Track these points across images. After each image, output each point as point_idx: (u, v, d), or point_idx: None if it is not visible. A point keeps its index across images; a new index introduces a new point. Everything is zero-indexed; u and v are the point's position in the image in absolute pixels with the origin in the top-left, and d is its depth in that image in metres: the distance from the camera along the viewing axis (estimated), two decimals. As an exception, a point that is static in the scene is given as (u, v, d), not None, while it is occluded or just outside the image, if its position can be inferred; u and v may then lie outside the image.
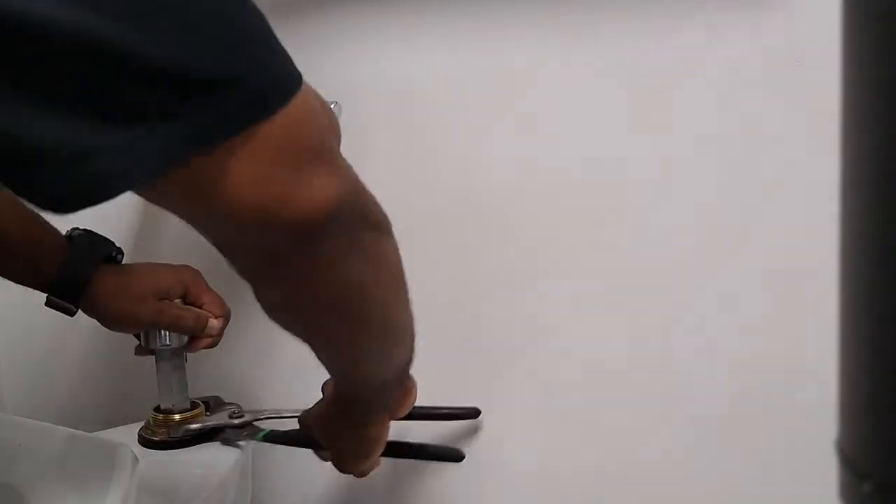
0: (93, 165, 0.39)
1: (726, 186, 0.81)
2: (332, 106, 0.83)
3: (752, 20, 0.78)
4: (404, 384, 0.74)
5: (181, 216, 0.46)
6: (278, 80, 0.44)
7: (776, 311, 0.81)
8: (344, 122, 0.83)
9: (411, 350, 0.68)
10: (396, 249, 0.58)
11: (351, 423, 0.72)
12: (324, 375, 1.02)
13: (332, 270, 0.51)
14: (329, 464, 0.77)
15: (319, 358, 0.62)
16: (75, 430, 0.74)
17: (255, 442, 0.89)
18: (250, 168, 0.43)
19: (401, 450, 0.86)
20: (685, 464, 0.86)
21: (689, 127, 0.81)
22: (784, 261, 0.80)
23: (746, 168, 0.80)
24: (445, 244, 0.92)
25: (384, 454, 0.77)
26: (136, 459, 0.69)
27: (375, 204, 0.54)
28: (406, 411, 0.76)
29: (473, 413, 0.92)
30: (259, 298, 0.53)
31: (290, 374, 1.00)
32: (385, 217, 0.55)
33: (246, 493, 0.91)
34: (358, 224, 0.51)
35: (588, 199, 0.86)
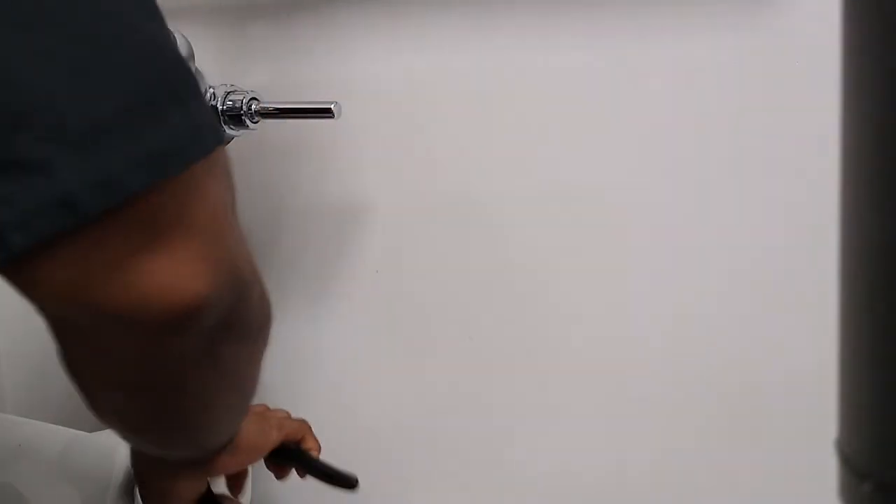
0: None
1: (726, 186, 0.81)
2: (332, 106, 0.83)
3: (753, 20, 0.78)
4: (229, 446, 0.65)
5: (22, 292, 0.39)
6: (127, 167, 0.34)
7: (776, 311, 0.81)
8: (343, 122, 0.84)
9: (234, 428, 0.61)
10: (256, 355, 0.50)
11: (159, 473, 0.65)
12: (325, 376, 1.02)
13: (169, 368, 0.43)
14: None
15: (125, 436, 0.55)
16: (75, 430, 0.74)
17: None
18: (99, 265, 0.36)
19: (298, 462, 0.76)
20: (685, 464, 0.86)
21: (689, 127, 0.81)
22: (784, 260, 0.80)
23: (746, 168, 0.80)
24: (444, 244, 0.92)
25: (284, 460, 0.73)
26: (135, 460, 0.69)
27: (252, 302, 0.45)
28: (227, 471, 0.69)
29: (351, 484, 0.75)
30: (64, 360, 0.45)
31: (291, 374, 1.00)
32: (259, 320, 0.47)
33: (246, 494, 0.91)
34: (219, 331, 0.42)
35: (587, 198, 0.86)
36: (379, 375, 0.97)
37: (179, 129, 0.36)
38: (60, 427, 0.74)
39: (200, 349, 0.42)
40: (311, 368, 1.02)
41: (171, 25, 0.40)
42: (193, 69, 0.39)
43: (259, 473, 0.95)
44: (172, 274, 0.37)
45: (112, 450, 0.70)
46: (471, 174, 0.90)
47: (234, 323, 0.43)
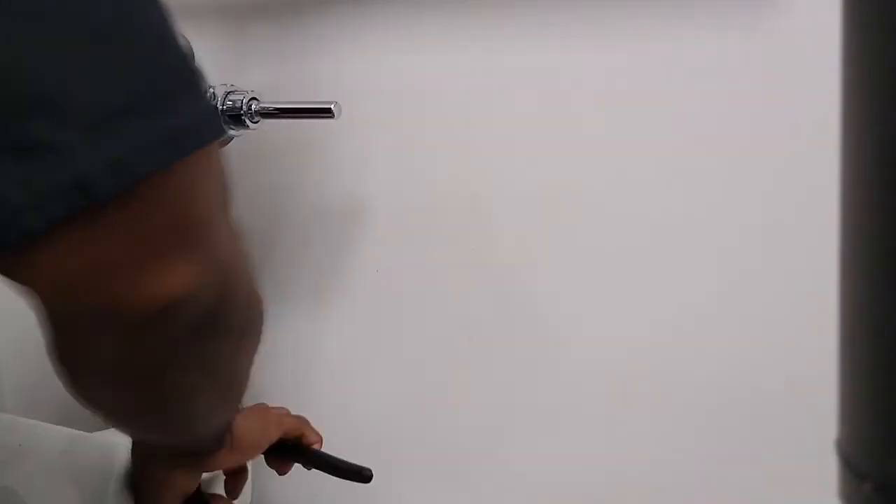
0: None
1: (726, 186, 0.81)
2: (331, 106, 0.83)
3: (752, 20, 0.78)
4: (221, 442, 0.65)
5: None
6: (138, 151, 0.35)
7: (776, 310, 0.81)
8: (343, 121, 0.84)
9: (223, 423, 0.61)
10: (245, 354, 0.51)
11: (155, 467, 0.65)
12: (324, 375, 1.02)
13: (148, 366, 0.44)
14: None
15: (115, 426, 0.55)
16: (75, 430, 0.74)
17: None
18: (84, 261, 0.36)
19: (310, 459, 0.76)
20: (685, 464, 0.86)
21: (689, 127, 0.81)
22: (784, 260, 0.80)
23: (746, 168, 0.80)
24: (444, 244, 0.92)
25: (290, 457, 0.73)
26: (135, 459, 0.69)
27: (240, 302, 0.45)
28: (225, 466, 0.69)
29: (367, 477, 0.75)
30: (53, 350, 0.45)
31: (291, 374, 1.00)
32: (249, 318, 0.48)
33: (246, 494, 0.91)
34: (203, 330, 0.43)
35: (587, 198, 0.86)
36: (379, 375, 0.97)
37: (187, 118, 0.37)
38: (60, 427, 0.73)
39: (181, 343, 0.42)
40: (311, 367, 1.02)
41: (175, 23, 0.40)
42: (196, 64, 0.40)
43: (259, 473, 0.94)
44: (156, 270, 0.38)
45: (112, 450, 0.70)
46: (471, 174, 0.90)
47: (216, 320, 0.43)
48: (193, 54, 0.41)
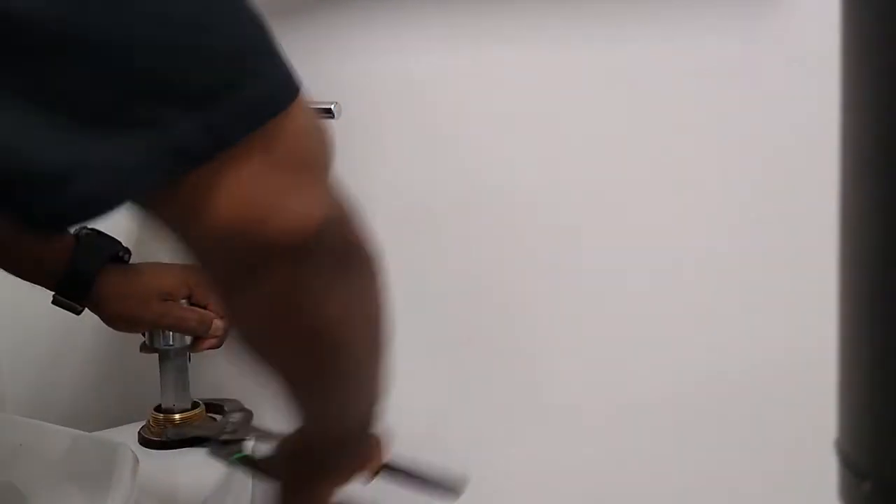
0: (77, 186, 0.37)
1: (726, 186, 0.81)
2: (332, 106, 0.83)
3: (753, 20, 0.78)
4: (369, 440, 0.68)
5: (160, 226, 0.44)
6: (272, 91, 0.42)
7: (776, 310, 0.81)
8: (343, 121, 0.84)
9: (377, 401, 0.63)
10: (381, 290, 0.54)
11: (303, 483, 0.66)
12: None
13: (310, 295, 0.48)
14: None
15: (287, 396, 0.57)
16: (76, 430, 0.74)
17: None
18: (234, 186, 0.41)
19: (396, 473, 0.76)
20: (685, 464, 0.86)
21: (689, 127, 0.81)
22: (784, 260, 0.80)
23: (746, 167, 0.80)
24: (445, 243, 0.92)
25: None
26: (136, 459, 0.69)
27: (364, 238, 0.51)
28: (370, 470, 0.71)
29: (456, 487, 0.75)
30: (227, 312, 0.51)
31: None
32: (373, 254, 0.52)
33: (246, 494, 0.91)
34: (342, 254, 0.48)
35: (588, 198, 0.86)
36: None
37: (283, 72, 0.42)
38: (60, 427, 0.74)
39: (328, 272, 0.47)
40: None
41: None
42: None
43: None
44: (295, 198, 0.43)
45: (112, 450, 0.70)
46: (471, 173, 0.90)
47: (352, 246, 0.49)
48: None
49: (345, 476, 0.68)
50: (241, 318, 0.51)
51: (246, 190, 0.42)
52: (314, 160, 0.45)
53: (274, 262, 0.45)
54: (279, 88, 0.42)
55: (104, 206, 0.38)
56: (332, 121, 0.84)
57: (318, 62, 0.93)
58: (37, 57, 0.36)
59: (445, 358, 0.93)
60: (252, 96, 0.40)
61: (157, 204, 0.42)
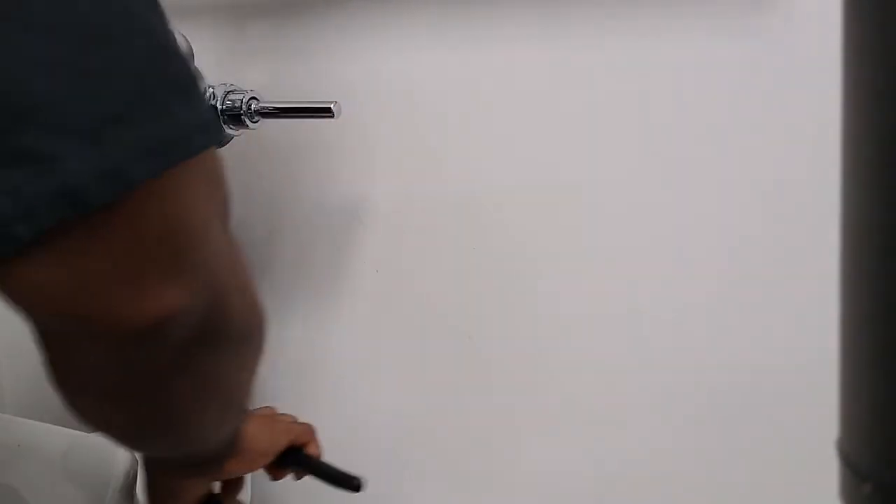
0: None
1: (726, 185, 0.81)
2: (331, 105, 0.83)
3: (752, 21, 0.78)
4: (231, 449, 0.65)
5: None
6: (174, 137, 0.35)
7: (776, 311, 0.81)
8: (343, 121, 0.84)
9: (235, 425, 0.61)
10: (248, 363, 0.49)
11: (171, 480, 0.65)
12: (325, 375, 1.02)
13: (144, 378, 0.43)
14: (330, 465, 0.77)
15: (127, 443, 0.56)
16: (75, 431, 0.74)
17: None
18: (66, 268, 0.35)
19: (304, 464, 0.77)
20: (685, 464, 0.86)
21: (689, 126, 0.81)
22: (784, 260, 0.80)
23: (746, 167, 0.80)
24: (445, 243, 0.92)
25: (287, 465, 0.74)
26: (135, 460, 0.69)
27: (245, 307, 0.45)
28: (236, 474, 0.70)
29: (356, 486, 0.76)
30: (49, 365, 0.43)
31: (292, 374, 1.00)
32: (252, 324, 0.47)
33: (245, 494, 0.91)
34: (196, 341, 0.42)
35: (587, 198, 0.86)
36: (379, 375, 0.97)
37: (181, 124, 0.36)
38: (60, 427, 0.73)
39: (173, 358, 0.41)
40: (312, 368, 1.01)
41: (171, 25, 0.40)
42: (193, 69, 0.39)
43: (258, 473, 0.94)
44: (147, 286, 0.37)
45: (112, 450, 0.70)
46: (471, 174, 0.90)
47: (209, 334, 0.42)
48: (192, 55, 0.40)
49: (212, 477, 0.68)
50: (68, 377, 0.44)
51: (75, 280, 0.35)
52: (182, 240, 0.38)
53: (113, 348, 0.39)
54: (189, 133, 0.36)
55: None
56: (331, 120, 0.84)
57: (318, 62, 0.93)
58: None
59: (444, 357, 0.93)
60: (154, 136, 0.35)
61: None
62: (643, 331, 0.86)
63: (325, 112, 0.83)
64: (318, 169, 0.95)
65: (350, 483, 0.75)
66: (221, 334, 0.43)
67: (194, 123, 0.37)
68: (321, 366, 1.00)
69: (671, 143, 0.82)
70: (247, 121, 0.85)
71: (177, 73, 0.37)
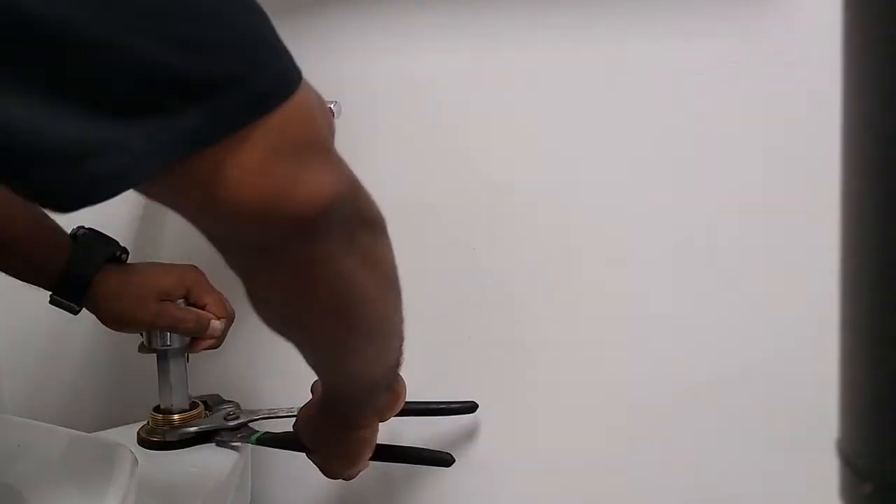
0: (91, 165, 0.39)
1: (727, 187, 0.81)
2: (331, 105, 0.83)
3: (753, 20, 0.78)
4: (393, 386, 0.73)
5: (178, 211, 0.46)
6: (277, 80, 0.44)
7: (776, 311, 0.81)
8: (343, 121, 0.84)
9: (400, 351, 0.67)
10: (391, 250, 0.57)
11: (339, 425, 0.72)
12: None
13: (326, 267, 0.51)
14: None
15: (307, 358, 0.62)
16: (75, 431, 0.74)
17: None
18: (247, 164, 0.43)
19: (391, 453, 0.84)
20: (685, 463, 0.86)
21: (689, 126, 0.81)
22: (784, 260, 0.80)
23: (746, 167, 0.80)
24: (444, 242, 0.92)
25: (373, 458, 0.76)
26: (135, 460, 0.69)
27: (372, 203, 0.54)
28: (395, 412, 0.75)
29: (471, 408, 0.90)
30: (250, 294, 0.53)
31: (292, 374, 1.00)
32: (381, 217, 0.55)
33: (245, 494, 0.91)
34: (354, 222, 0.51)
35: (588, 198, 0.86)
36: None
37: (284, 62, 0.45)
38: (60, 427, 0.73)
39: (345, 240, 0.50)
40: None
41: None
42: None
43: (256, 472, 0.95)
44: (307, 177, 0.45)
45: (111, 450, 0.70)
46: (471, 173, 0.90)
47: (363, 212, 0.52)
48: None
49: (374, 420, 0.73)
50: (264, 294, 0.53)
51: (261, 169, 0.43)
52: (321, 139, 0.47)
53: (292, 237, 0.47)
54: (282, 76, 0.44)
55: (116, 185, 0.40)
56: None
57: (318, 62, 0.93)
58: (50, 50, 0.38)
59: (444, 357, 0.93)
60: (257, 84, 0.42)
61: (173, 187, 0.44)
62: (643, 332, 0.86)
63: (324, 112, 0.83)
64: (317, 169, 0.94)
65: (441, 460, 0.85)
66: (371, 214, 0.54)
67: (292, 59, 0.46)
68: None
69: (671, 142, 0.82)
70: (247, 121, 0.85)
71: (269, 21, 0.46)
